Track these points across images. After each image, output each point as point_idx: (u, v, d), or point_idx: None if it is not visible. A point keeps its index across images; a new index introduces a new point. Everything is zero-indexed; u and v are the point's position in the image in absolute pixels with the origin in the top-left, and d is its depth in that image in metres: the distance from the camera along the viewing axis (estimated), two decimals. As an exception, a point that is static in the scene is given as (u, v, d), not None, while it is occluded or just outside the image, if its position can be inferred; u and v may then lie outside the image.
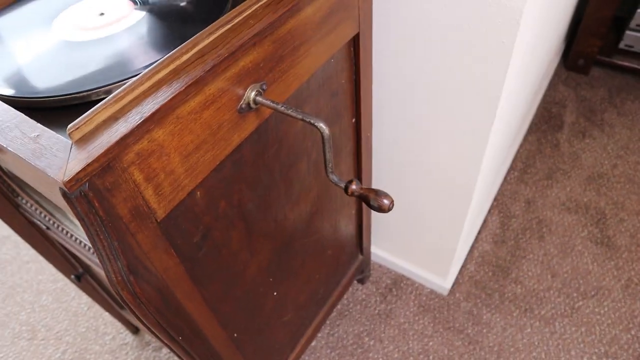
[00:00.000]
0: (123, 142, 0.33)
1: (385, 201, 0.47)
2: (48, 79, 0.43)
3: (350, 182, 0.48)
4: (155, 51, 0.46)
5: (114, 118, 0.34)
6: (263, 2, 0.45)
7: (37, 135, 0.35)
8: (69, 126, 0.33)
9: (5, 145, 0.35)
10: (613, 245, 1.21)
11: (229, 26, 0.42)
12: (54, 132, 0.35)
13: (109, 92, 0.41)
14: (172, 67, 0.38)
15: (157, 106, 0.35)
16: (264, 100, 0.46)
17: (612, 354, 1.03)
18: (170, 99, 0.36)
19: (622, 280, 1.15)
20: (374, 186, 1.00)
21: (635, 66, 1.52)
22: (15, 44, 0.49)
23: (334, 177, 0.49)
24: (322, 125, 0.45)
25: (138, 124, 0.34)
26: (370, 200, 0.47)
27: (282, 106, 0.46)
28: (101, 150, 0.32)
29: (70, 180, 0.31)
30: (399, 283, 1.20)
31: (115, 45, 0.47)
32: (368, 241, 1.07)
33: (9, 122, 0.37)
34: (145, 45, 0.47)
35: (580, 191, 1.33)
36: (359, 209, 0.94)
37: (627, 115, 1.51)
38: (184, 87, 0.37)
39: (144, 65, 0.43)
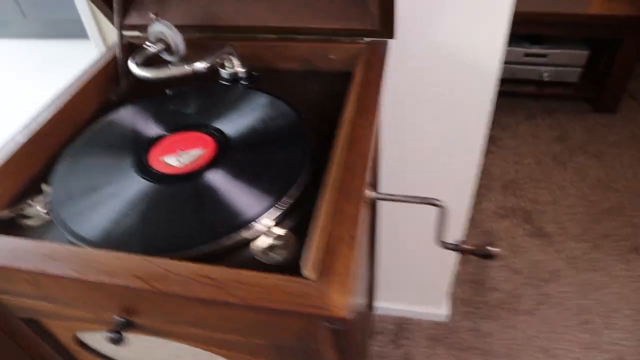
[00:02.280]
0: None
1: (495, 250, 0.57)
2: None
3: (459, 243, 0.58)
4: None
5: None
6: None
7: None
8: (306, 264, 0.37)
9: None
10: (545, 234, 1.47)
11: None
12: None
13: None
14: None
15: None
16: (379, 195, 0.54)
17: (589, 320, 1.25)
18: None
19: (565, 259, 1.40)
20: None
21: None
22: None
23: (445, 244, 0.58)
24: (443, 205, 0.54)
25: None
26: (484, 253, 0.57)
27: (400, 196, 0.54)
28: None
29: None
30: (402, 326, 1.29)
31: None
32: (374, 298, 1.15)
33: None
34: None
35: (503, 198, 1.59)
36: (371, 272, 1.02)
37: (506, 129, 1.86)
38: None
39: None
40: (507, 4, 0.69)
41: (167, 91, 0.65)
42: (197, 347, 0.49)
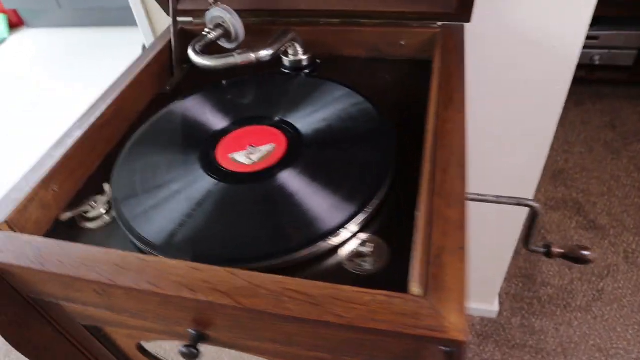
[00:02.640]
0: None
1: (590, 254, 0.52)
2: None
3: (548, 247, 0.53)
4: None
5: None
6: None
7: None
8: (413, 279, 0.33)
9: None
10: (599, 226, 1.40)
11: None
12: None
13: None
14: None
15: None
16: (468, 195, 0.49)
17: (647, 318, 1.18)
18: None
19: (620, 253, 1.33)
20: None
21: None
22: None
23: (534, 248, 0.53)
24: (537, 206, 0.49)
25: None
26: (578, 257, 0.52)
27: (491, 197, 0.49)
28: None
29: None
30: (449, 321, 1.24)
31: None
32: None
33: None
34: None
35: (553, 189, 1.52)
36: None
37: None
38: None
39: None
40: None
41: (223, 82, 0.61)
42: (273, 360, 0.45)
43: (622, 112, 1.75)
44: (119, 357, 0.57)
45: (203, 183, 0.46)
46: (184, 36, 0.66)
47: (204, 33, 0.58)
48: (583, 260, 0.52)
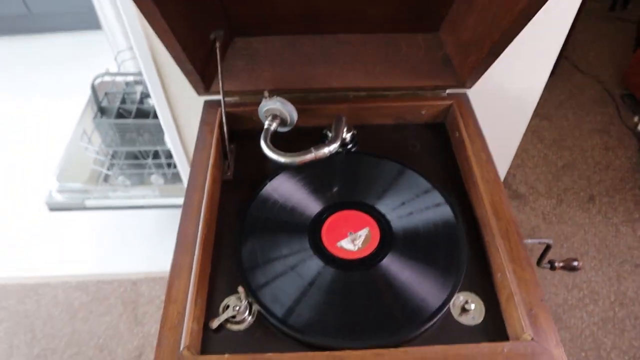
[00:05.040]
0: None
1: (578, 263, 0.72)
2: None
3: (552, 263, 0.72)
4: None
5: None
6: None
7: None
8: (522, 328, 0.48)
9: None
10: (520, 195, 1.69)
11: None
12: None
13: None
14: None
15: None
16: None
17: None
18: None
19: (539, 215, 1.63)
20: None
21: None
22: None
23: (544, 265, 0.72)
24: (551, 242, 0.66)
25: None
26: (572, 267, 0.71)
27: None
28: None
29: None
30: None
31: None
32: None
33: None
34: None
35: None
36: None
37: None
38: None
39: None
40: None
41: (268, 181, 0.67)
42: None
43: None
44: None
45: (329, 274, 0.55)
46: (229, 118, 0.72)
47: (266, 126, 0.66)
48: (576, 269, 0.72)
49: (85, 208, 1.36)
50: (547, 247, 0.68)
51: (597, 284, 1.47)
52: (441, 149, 0.73)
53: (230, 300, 0.55)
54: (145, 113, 1.34)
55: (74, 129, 1.46)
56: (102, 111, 1.35)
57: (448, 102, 0.73)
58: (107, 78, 1.39)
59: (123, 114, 1.34)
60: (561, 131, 1.92)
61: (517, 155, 1.79)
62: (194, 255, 0.56)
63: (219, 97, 0.73)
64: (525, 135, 1.87)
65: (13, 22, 2.42)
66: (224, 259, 0.60)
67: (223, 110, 0.69)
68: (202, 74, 0.67)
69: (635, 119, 1.96)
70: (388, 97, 0.74)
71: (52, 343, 1.35)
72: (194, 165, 0.65)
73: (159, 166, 1.33)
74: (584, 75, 2.20)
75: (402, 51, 0.73)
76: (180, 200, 1.34)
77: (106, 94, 1.39)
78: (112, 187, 1.34)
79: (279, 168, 0.66)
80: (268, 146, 0.63)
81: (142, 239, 1.54)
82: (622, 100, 2.07)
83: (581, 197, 1.70)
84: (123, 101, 1.38)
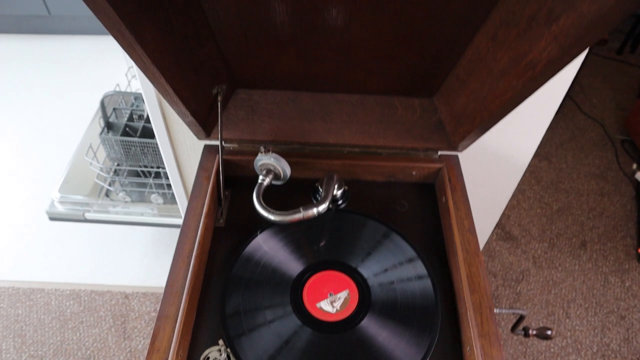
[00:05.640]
0: None
1: (551, 332, 0.74)
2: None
3: (526, 330, 0.74)
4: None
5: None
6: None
7: None
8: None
9: None
10: (513, 236, 1.71)
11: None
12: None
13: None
14: None
15: None
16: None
17: (552, 312, 1.52)
18: None
19: (530, 259, 1.65)
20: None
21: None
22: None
23: (517, 332, 0.74)
24: (525, 313, 0.69)
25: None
26: (545, 335, 0.74)
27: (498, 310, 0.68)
28: None
29: None
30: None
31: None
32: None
33: None
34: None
35: (475, 204, 1.80)
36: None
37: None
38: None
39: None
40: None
41: (258, 232, 0.70)
42: None
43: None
44: None
45: (307, 336, 0.58)
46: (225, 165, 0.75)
47: (259, 181, 0.68)
48: (548, 337, 0.74)
49: (85, 220, 1.39)
50: (521, 317, 0.70)
51: (582, 334, 1.48)
52: (429, 210, 0.75)
53: (211, 352, 0.58)
54: (151, 132, 1.37)
55: (80, 141, 1.49)
56: (109, 126, 1.38)
57: (438, 165, 0.76)
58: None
59: (129, 132, 1.37)
60: (559, 173, 1.94)
61: (513, 196, 1.82)
62: (180, 306, 0.58)
63: (218, 142, 0.77)
64: (523, 175, 1.89)
65: (33, 22, 2.47)
66: (209, 308, 0.62)
67: (220, 159, 0.72)
68: (203, 124, 0.70)
69: (634, 166, 1.98)
70: (381, 154, 0.77)
71: (40, 350, 1.37)
72: (188, 213, 0.67)
73: (160, 186, 1.36)
74: (587, 117, 2.22)
75: (397, 113, 0.75)
76: (177, 221, 1.37)
77: (114, 109, 1.42)
78: (113, 202, 1.37)
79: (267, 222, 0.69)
80: (260, 203, 0.65)
81: (138, 254, 1.57)
82: (622, 145, 2.10)
83: (573, 242, 1.71)
84: (130, 118, 1.42)
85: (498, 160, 0.92)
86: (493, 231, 1.72)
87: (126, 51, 0.48)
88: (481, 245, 1.27)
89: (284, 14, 0.56)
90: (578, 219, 1.79)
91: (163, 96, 0.59)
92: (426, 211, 0.75)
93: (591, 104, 2.29)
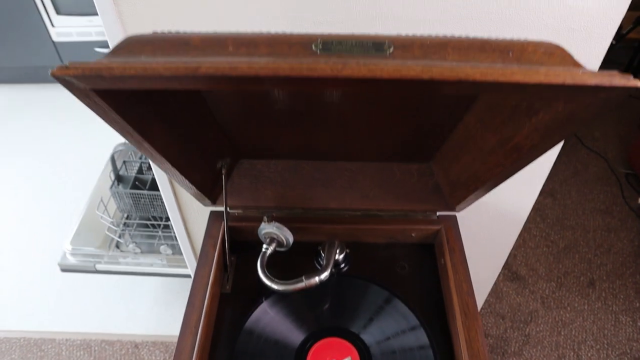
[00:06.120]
0: None
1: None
2: None
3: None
4: None
5: None
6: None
7: None
8: None
9: None
10: (520, 277, 1.71)
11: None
12: None
13: None
14: None
15: None
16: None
17: (563, 354, 1.50)
18: None
19: (538, 299, 1.65)
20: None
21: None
22: None
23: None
24: None
25: None
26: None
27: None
28: None
29: None
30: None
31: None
32: None
33: None
34: None
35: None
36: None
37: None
38: None
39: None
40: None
41: (263, 299, 0.73)
42: None
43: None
44: None
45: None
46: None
47: (263, 250, 0.71)
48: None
49: (95, 271, 1.42)
50: None
51: (594, 375, 1.46)
52: (429, 271, 0.77)
53: None
54: (159, 184, 1.41)
55: (91, 193, 1.54)
56: (119, 179, 1.43)
57: (437, 227, 0.78)
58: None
59: (139, 185, 1.42)
60: (564, 210, 1.95)
61: (519, 235, 1.82)
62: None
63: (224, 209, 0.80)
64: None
65: (46, 72, 2.57)
66: (216, 378, 0.64)
67: (226, 226, 0.75)
68: (208, 194, 0.74)
69: (639, 200, 1.98)
70: (382, 217, 0.80)
71: (51, 403, 1.38)
72: (195, 282, 0.70)
73: (169, 237, 1.39)
74: (589, 151, 2.24)
75: (395, 177, 0.78)
76: (186, 271, 1.39)
77: (124, 162, 1.47)
78: (123, 253, 1.41)
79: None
80: (264, 273, 0.68)
81: (148, 303, 1.59)
82: (627, 179, 2.10)
83: (581, 281, 1.71)
84: (140, 170, 1.46)
85: (499, 213, 0.94)
86: (500, 272, 1.72)
87: (135, 146, 0.52)
88: (487, 292, 1.28)
89: (281, 100, 0.60)
90: (585, 257, 1.78)
91: (170, 175, 0.63)
92: (426, 272, 0.77)
93: (593, 137, 2.31)
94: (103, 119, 0.45)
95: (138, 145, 0.52)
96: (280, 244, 0.73)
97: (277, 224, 0.72)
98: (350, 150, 0.75)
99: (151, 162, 0.87)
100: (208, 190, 0.73)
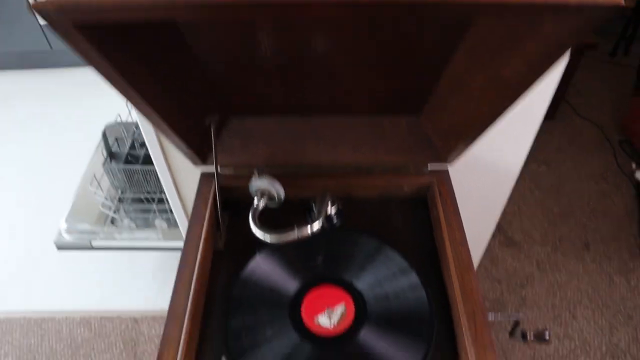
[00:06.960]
0: None
1: (548, 335, 0.75)
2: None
3: (525, 335, 0.75)
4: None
5: None
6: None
7: None
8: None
9: None
10: (515, 242, 1.73)
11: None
12: None
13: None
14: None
15: None
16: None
17: (559, 315, 1.52)
18: None
19: (533, 263, 1.66)
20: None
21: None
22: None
23: (515, 337, 0.75)
24: (520, 318, 0.70)
25: None
26: (542, 339, 0.75)
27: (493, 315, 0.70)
28: None
29: None
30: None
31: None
32: None
33: None
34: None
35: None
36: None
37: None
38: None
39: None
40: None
41: (257, 253, 0.73)
42: None
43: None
44: None
45: (311, 353, 0.60)
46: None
47: (254, 205, 0.71)
48: (545, 340, 0.75)
49: (92, 248, 1.42)
50: (517, 323, 0.72)
51: (589, 335, 1.48)
52: (422, 224, 0.77)
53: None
54: (152, 159, 1.40)
55: (84, 171, 1.53)
56: (111, 156, 1.42)
57: (429, 180, 0.78)
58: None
59: (131, 160, 1.41)
60: (559, 177, 1.96)
61: (514, 202, 1.83)
62: (182, 328, 0.61)
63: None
64: (523, 181, 1.91)
65: (35, 57, 2.54)
66: (211, 330, 0.64)
67: (216, 184, 0.75)
68: (198, 151, 0.73)
69: (633, 165, 1.99)
70: (373, 172, 0.80)
71: (53, 379, 1.39)
72: (187, 239, 0.70)
73: (163, 211, 1.39)
74: (583, 120, 2.24)
75: (386, 130, 0.78)
76: (182, 244, 1.39)
77: (116, 139, 1.46)
78: (118, 229, 1.41)
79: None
80: (255, 225, 0.68)
81: (145, 278, 1.59)
82: (620, 146, 2.11)
83: (576, 245, 1.72)
84: (132, 146, 1.46)
85: (490, 168, 0.94)
86: (496, 238, 1.73)
87: (121, 94, 0.52)
88: (481, 252, 1.28)
89: (268, 47, 0.59)
90: (580, 221, 1.80)
91: (158, 129, 0.62)
92: (419, 225, 0.77)
93: (587, 106, 2.31)
94: (88, 62, 0.45)
95: (125, 93, 0.51)
96: (271, 198, 0.73)
97: (267, 177, 0.72)
98: (339, 102, 0.74)
99: (139, 119, 0.86)
100: (197, 147, 0.72)
